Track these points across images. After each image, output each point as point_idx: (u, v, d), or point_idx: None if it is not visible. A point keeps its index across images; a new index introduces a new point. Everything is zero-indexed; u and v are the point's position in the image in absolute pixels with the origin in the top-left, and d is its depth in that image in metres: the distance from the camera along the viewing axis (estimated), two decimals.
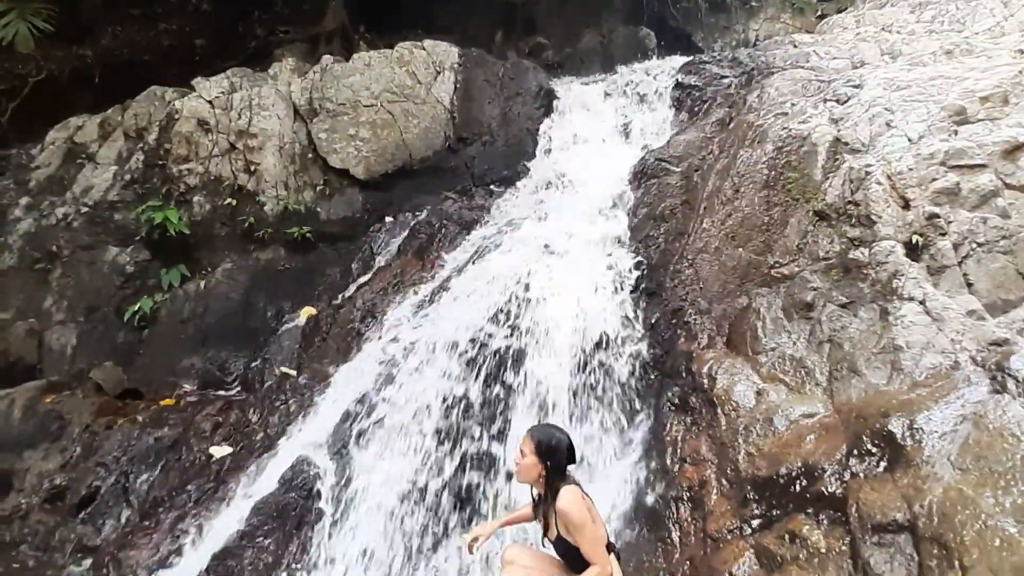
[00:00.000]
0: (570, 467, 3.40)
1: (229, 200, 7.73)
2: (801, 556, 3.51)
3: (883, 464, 3.57)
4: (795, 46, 7.93)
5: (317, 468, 5.00)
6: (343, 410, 5.38)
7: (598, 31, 11.33)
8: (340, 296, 7.11)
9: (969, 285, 4.38)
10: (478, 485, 4.76)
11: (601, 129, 8.23)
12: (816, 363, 4.39)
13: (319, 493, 4.87)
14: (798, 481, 3.78)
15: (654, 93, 8.40)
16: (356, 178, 8.05)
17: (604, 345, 5.24)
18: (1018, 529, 2.99)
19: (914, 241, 4.54)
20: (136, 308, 7.26)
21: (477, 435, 4.90)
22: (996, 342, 3.91)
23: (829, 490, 3.63)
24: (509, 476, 4.66)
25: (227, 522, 4.95)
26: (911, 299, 4.29)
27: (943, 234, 4.53)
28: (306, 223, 7.78)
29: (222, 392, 6.83)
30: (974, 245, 4.47)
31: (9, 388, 6.50)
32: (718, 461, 4.20)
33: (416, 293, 6.51)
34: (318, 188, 8.01)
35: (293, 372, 6.39)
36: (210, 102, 8.01)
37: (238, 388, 6.86)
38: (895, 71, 6.05)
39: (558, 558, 3.46)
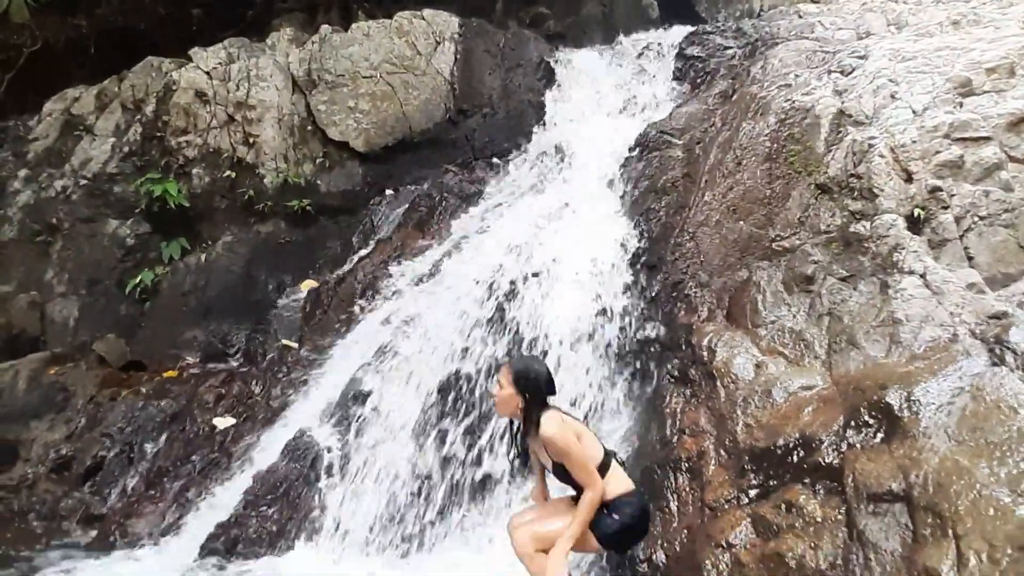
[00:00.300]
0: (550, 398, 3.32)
1: (228, 173, 7.69)
2: (797, 525, 3.56)
3: (880, 435, 3.60)
4: (800, 16, 7.82)
5: (319, 438, 5.05)
6: (345, 381, 5.42)
7: (600, 0, 11.16)
8: (341, 269, 7.12)
9: (970, 259, 4.39)
10: (480, 454, 4.82)
11: (602, 100, 8.14)
12: (815, 336, 4.41)
13: (322, 463, 4.92)
14: (795, 452, 3.83)
15: (656, 64, 8.30)
16: (356, 151, 8.00)
17: (608, 316, 5.26)
18: (1012, 499, 3.04)
19: (916, 214, 4.53)
20: (137, 281, 7.28)
21: (478, 405, 4.95)
22: (995, 315, 3.92)
23: (826, 461, 3.67)
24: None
25: (231, 492, 5.03)
26: (911, 272, 4.29)
27: (945, 207, 4.52)
28: (306, 196, 7.75)
29: (224, 364, 6.88)
30: (976, 218, 4.46)
31: (13, 360, 6.55)
32: (717, 432, 4.24)
33: (416, 265, 6.52)
34: (318, 161, 7.97)
35: (295, 344, 6.43)
36: (208, 73, 7.93)
37: (240, 360, 6.90)
38: (901, 42, 5.97)
39: (566, 494, 3.42)
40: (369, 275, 6.65)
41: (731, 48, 7.82)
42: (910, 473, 3.32)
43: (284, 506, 4.77)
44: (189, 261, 7.55)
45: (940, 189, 4.57)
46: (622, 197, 6.28)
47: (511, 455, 3.57)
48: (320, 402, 5.50)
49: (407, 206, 7.35)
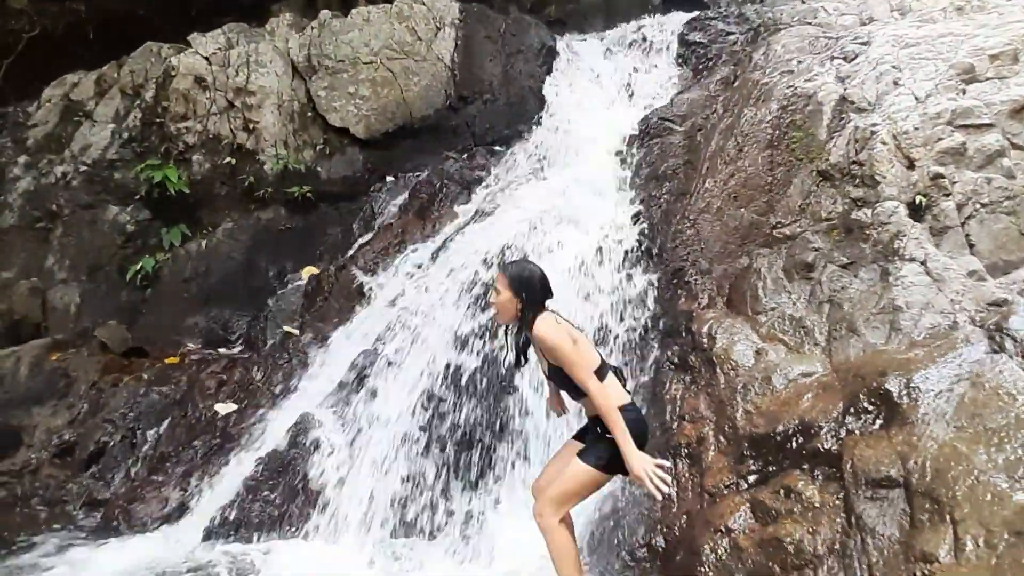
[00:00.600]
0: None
1: (228, 159, 7.67)
2: (796, 510, 3.59)
3: (879, 422, 3.62)
4: (803, 1, 7.75)
5: (320, 423, 5.08)
6: (346, 367, 5.44)
7: None
8: (341, 256, 7.12)
9: (971, 246, 4.39)
10: (480, 439, 4.85)
11: (603, 87, 8.11)
12: (815, 323, 4.42)
13: (323, 447, 4.95)
14: (795, 438, 3.85)
15: (658, 50, 8.26)
16: (356, 137, 7.97)
17: (609, 303, 5.27)
18: (1009, 484, 3.05)
19: (917, 202, 4.52)
20: (138, 267, 7.28)
21: (480, 391, 4.97)
22: (996, 302, 3.93)
23: (825, 447, 3.69)
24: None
25: (233, 477, 5.06)
26: (912, 260, 4.29)
27: (947, 195, 4.51)
28: (306, 182, 7.73)
29: (226, 350, 6.90)
30: (978, 206, 4.46)
31: (15, 346, 6.56)
32: (716, 419, 4.26)
33: (416, 252, 6.52)
34: (318, 147, 7.94)
35: (296, 331, 6.44)
36: (207, 58, 7.89)
37: (241, 347, 6.92)
38: (904, 28, 5.94)
39: (573, 443, 3.47)
40: (370, 262, 6.66)
41: (733, 34, 7.77)
42: (908, 459, 3.34)
43: (285, 490, 4.81)
44: (190, 247, 7.54)
45: (942, 176, 4.56)
46: (623, 184, 6.27)
47: (510, 358, 3.54)
48: (321, 388, 5.52)
49: (408, 193, 7.34)
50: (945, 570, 2.97)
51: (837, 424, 3.73)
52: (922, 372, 3.63)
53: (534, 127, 7.91)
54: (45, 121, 7.79)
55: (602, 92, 8.06)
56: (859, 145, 4.89)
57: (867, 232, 4.56)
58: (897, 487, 3.33)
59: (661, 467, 3.11)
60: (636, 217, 5.86)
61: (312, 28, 8.26)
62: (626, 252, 5.61)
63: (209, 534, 4.67)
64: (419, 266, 6.29)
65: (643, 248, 5.59)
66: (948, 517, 3.09)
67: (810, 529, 3.48)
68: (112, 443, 5.80)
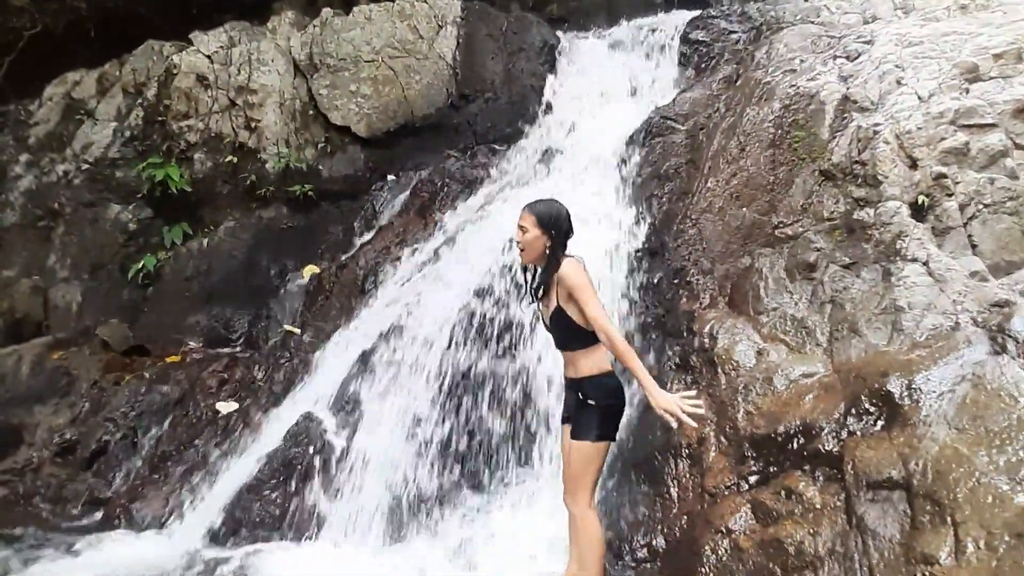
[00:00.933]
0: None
1: (230, 157, 7.67)
2: (796, 511, 3.58)
3: (880, 423, 3.61)
4: (806, 0, 7.74)
5: (321, 423, 5.08)
6: (347, 366, 5.44)
7: None
8: (343, 254, 7.12)
9: (973, 246, 4.37)
10: (481, 440, 4.85)
11: (605, 86, 8.07)
12: (817, 323, 4.41)
13: (324, 446, 4.95)
14: (796, 439, 3.84)
15: (660, 49, 8.23)
16: (358, 135, 7.96)
17: (610, 303, 5.25)
18: (1010, 486, 3.04)
19: (920, 202, 4.50)
20: (140, 266, 7.29)
21: (482, 395, 4.97)
22: (998, 303, 3.91)
23: (826, 448, 3.68)
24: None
25: (235, 476, 5.06)
26: (914, 260, 4.28)
27: (950, 195, 4.49)
28: (308, 181, 7.73)
29: (227, 349, 6.90)
30: (980, 206, 4.44)
31: (16, 345, 6.58)
32: (717, 419, 4.25)
33: (418, 251, 6.51)
34: (319, 146, 7.94)
35: (297, 330, 6.44)
36: (209, 57, 7.88)
37: (243, 345, 6.92)
38: (908, 26, 5.92)
39: (565, 428, 3.50)
40: (371, 260, 6.65)
41: (736, 33, 7.74)
42: (910, 461, 3.33)
43: (287, 490, 4.81)
44: (191, 246, 7.55)
45: (945, 176, 4.54)
46: (624, 183, 6.25)
47: (525, 299, 3.57)
48: (322, 387, 5.52)
49: (409, 192, 7.33)
50: (946, 572, 2.96)
51: (838, 425, 3.73)
52: (924, 373, 3.62)
53: (536, 125, 7.90)
54: (47, 119, 7.80)
55: (604, 90, 8.03)
56: (861, 145, 4.88)
57: (869, 232, 4.54)
58: (898, 489, 3.32)
59: (688, 398, 3.12)
60: (638, 216, 5.85)
61: (314, 26, 8.26)
62: (627, 251, 5.60)
63: (210, 533, 4.67)
64: (422, 264, 6.28)
65: (644, 247, 5.57)
66: (949, 519, 3.08)
67: (811, 530, 3.48)
68: (113, 442, 5.81)
